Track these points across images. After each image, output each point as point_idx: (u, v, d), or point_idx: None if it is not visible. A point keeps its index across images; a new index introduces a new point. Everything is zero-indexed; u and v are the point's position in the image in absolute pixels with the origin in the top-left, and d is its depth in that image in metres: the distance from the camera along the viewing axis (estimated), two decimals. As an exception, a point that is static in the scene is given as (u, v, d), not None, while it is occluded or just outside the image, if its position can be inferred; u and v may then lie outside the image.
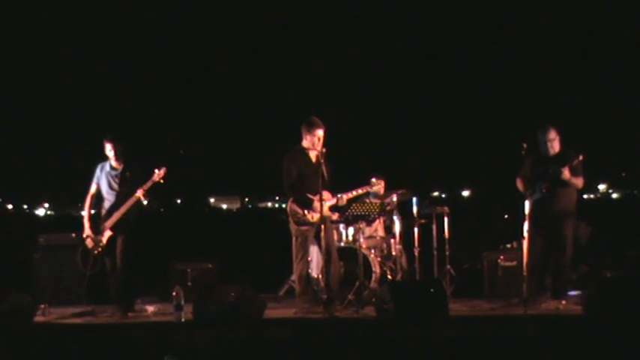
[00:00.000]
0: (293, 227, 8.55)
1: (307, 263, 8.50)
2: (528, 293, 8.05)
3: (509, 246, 9.74)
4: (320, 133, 8.45)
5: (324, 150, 8.40)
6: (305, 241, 8.49)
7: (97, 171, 8.78)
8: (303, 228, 8.47)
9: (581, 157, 8.41)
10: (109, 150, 8.65)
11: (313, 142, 8.46)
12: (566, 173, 8.34)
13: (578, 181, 8.50)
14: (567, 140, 8.70)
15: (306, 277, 8.52)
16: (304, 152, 8.54)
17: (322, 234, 8.28)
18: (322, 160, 8.38)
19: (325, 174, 8.37)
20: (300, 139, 8.62)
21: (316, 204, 8.34)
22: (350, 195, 8.61)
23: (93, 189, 8.80)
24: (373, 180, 9.16)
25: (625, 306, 7.23)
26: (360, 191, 8.78)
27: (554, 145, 8.58)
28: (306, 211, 8.44)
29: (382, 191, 9.77)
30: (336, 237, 9.00)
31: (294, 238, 8.57)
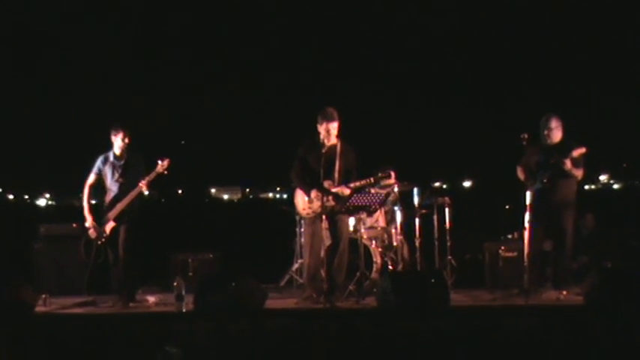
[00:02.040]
0: (299, 216, 8.56)
1: (316, 252, 8.45)
2: (529, 284, 8.06)
3: (510, 236, 9.75)
4: (330, 126, 8.31)
5: (337, 142, 8.36)
6: (314, 230, 8.44)
7: (99, 162, 8.75)
8: (309, 217, 8.46)
9: (584, 150, 8.39)
10: (121, 138, 8.59)
11: (324, 134, 8.36)
12: (567, 164, 8.32)
13: (579, 173, 8.48)
14: (569, 130, 8.68)
15: (315, 267, 8.43)
16: (317, 142, 8.40)
17: (324, 224, 8.27)
18: (338, 152, 8.35)
19: (338, 166, 8.33)
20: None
21: (314, 193, 8.33)
22: (353, 185, 8.37)
23: (92, 179, 8.78)
24: (391, 173, 9.07)
25: (625, 297, 7.25)
26: (363, 182, 8.46)
27: (556, 134, 8.55)
28: (306, 198, 8.42)
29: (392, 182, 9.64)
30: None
31: (304, 227, 8.60)
